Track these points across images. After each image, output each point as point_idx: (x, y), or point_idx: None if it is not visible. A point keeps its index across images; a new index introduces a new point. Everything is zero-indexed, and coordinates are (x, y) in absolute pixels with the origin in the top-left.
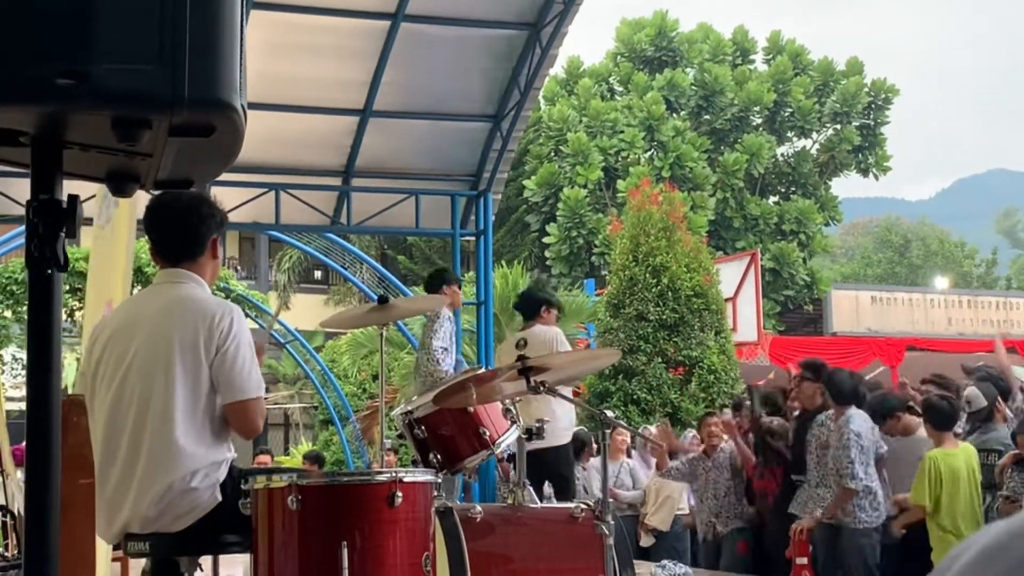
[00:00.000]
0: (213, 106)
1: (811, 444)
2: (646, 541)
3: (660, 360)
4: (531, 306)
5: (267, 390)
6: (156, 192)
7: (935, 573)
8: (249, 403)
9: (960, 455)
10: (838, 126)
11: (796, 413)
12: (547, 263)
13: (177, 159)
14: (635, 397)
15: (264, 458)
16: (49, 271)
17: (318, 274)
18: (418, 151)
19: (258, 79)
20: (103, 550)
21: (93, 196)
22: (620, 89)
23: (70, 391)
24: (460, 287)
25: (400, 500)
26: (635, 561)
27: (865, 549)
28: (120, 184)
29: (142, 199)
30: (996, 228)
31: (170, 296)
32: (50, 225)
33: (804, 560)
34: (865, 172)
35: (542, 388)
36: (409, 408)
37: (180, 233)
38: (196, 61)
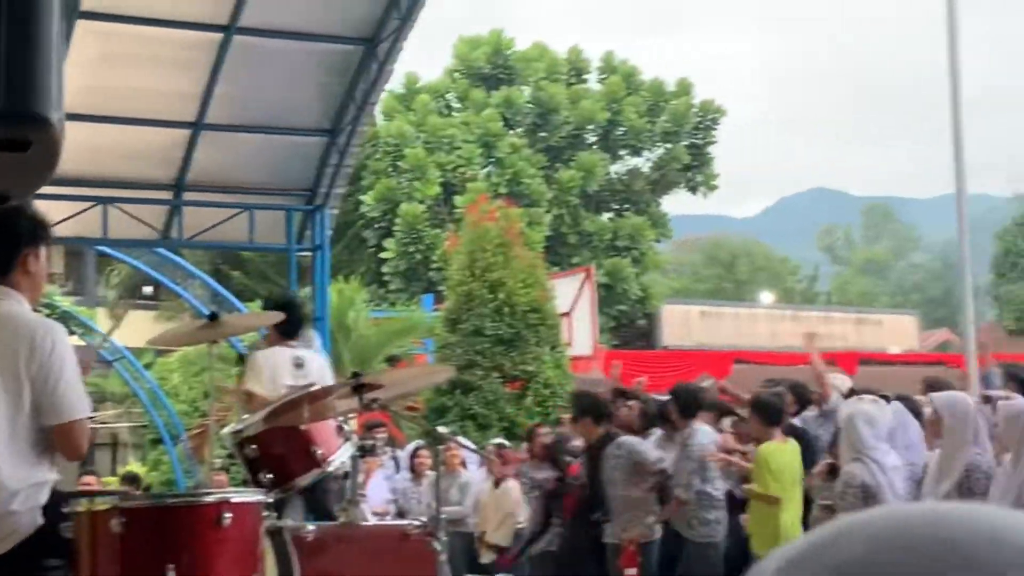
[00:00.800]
0: (28, 120)
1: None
2: (487, 557)
3: (497, 375)
4: (300, 321)
5: (94, 409)
6: None
7: (782, 561)
8: (74, 425)
9: (788, 450)
10: (669, 145)
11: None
12: (384, 278)
13: None
14: (472, 412)
15: (89, 479)
16: None
17: (148, 289)
18: (252, 165)
19: (86, 90)
20: None
21: None
22: (457, 105)
23: None
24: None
25: (228, 521)
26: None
27: (711, 559)
28: None
29: None
30: (817, 245)
31: None
32: None
33: (633, 571)
34: (694, 190)
35: (374, 405)
36: (239, 427)
37: None
38: (11, 75)
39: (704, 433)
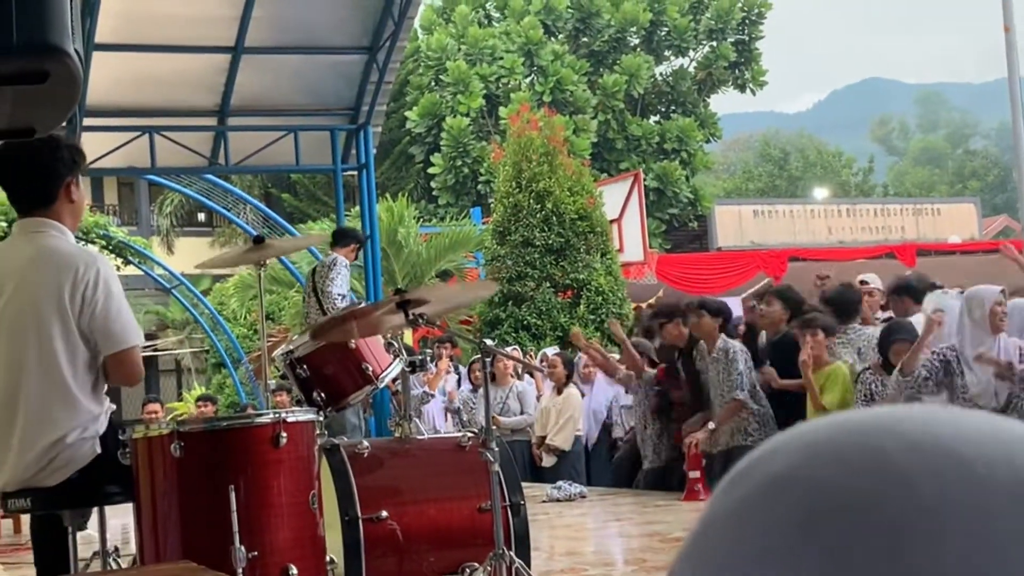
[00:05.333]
0: (44, 51)
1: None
2: (548, 461)
3: (548, 285)
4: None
5: (155, 336)
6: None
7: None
8: (127, 353)
9: None
10: (714, 43)
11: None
12: (433, 193)
13: (15, 108)
14: (525, 323)
15: (154, 406)
16: None
17: (201, 216)
18: (294, 87)
19: (123, 20)
20: None
21: None
22: (497, 15)
23: None
24: (360, 250)
25: (285, 441)
26: (532, 483)
27: None
28: None
29: None
30: (871, 136)
31: (31, 249)
32: None
33: (697, 473)
34: (742, 88)
35: (421, 320)
36: (290, 348)
37: (29, 180)
38: (23, 7)
39: (736, 342)
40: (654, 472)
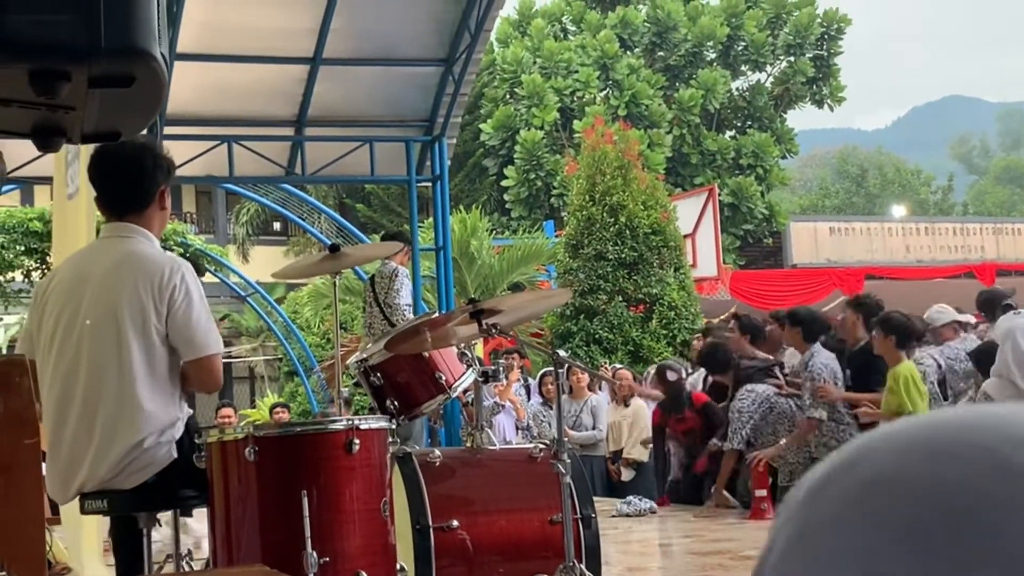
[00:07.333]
0: (131, 55)
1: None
2: (627, 475)
3: (620, 299)
4: None
5: (230, 343)
6: (96, 144)
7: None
8: (208, 360)
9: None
10: (792, 58)
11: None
12: (506, 206)
13: (102, 111)
14: (597, 336)
15: (227, 411)
16: None
17: (277, 225)
18: (370, 98)
19: (204, 30)
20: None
21: (40, 155)
22: (573, 29)
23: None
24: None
25: (358, 447)
26: (604, 498)
27: None
28: (46, 139)
29: None
30: (951, 155)
31: (117, 253)
32: None
33: (763, 492)
34: (820, 103)
35: (494, 330)
36: (364, 356)
37: (126, 184)
38: (111, 10)
39: (823, 355)
40: (675, 483)
